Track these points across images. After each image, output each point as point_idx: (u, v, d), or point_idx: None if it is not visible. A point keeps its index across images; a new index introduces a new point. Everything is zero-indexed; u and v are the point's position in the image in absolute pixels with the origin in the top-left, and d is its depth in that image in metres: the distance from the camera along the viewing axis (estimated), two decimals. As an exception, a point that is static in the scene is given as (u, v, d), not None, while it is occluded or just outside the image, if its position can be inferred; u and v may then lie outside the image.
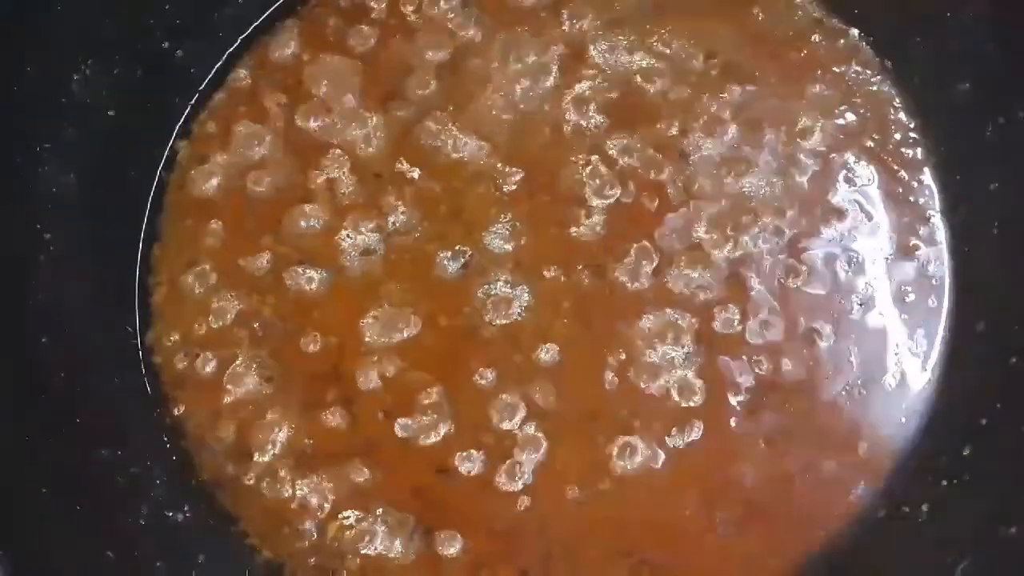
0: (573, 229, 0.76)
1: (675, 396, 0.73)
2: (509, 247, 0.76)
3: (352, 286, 0.77)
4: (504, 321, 0.75)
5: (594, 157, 0.78)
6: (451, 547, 0.72)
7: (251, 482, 0.74)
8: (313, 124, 0.80)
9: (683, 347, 0.74)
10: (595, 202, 0.77)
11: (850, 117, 0.79)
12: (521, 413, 0.73)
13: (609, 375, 0.74)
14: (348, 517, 0.73)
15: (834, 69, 0.81)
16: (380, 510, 0.73)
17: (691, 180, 0.77)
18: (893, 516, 0.72)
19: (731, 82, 0.79)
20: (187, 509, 0.74)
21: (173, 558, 0.71)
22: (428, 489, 0.73)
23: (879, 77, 0.81)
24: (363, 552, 0.73)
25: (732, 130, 0.78)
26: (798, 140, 0.78)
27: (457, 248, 0.76)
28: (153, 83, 0.80)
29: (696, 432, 0.73)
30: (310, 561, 0.73)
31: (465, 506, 0.73)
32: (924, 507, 0.71)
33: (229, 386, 0.76)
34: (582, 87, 0.80)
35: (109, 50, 0.76)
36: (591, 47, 0.81)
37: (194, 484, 0.75)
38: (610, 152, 0.78)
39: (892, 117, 0.80)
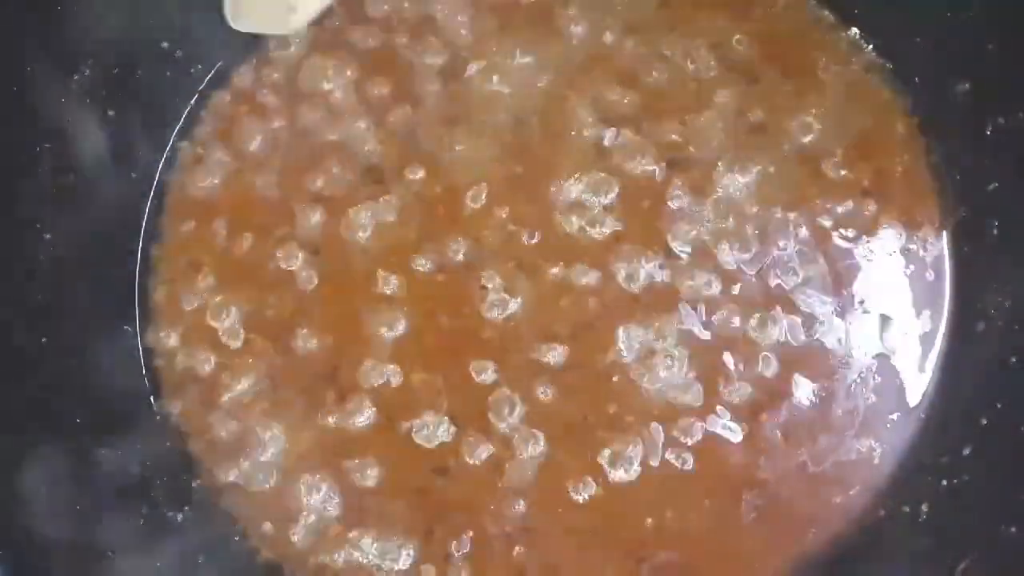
0: (574, 229, 0.76)
1: (677, 396, 0.73)
2: (510, 246, 0.76)
3: (353, 285, 0.77)
4: (504, 320, 0.75)
5: (595, 158, 0.78)
6: (451, 548, 0.72)
7: (251, 482, 0.74)
8: (314, 123, 0.80)
9: (686, 347, 0.74)
10: (596, 202, 0.77)
11: (850, 117, 0.79)
12: (520, 412, 0.73)
13: (611, 375, 0.74)
14: (349, 517, 0.73)
15: (834, 69, 0.80)
16: (380, 510, 0.73)
17: (693, 180, 0.77)
18: (893, 516, 0.72)
19: (731, 81, 0.79)
20: (187, 509, 0.74)
21: (173, 558, 0.71)
22: (428, 489, 0.73)
23: (879, 77, 0.81)
24: (363, 552, 0.73)
25: (733, 130, 0.78)
26: (798, 140, 0.78)
27: (457, 247, 0.76)
28: (153, 83, 0.80)
29: (697, 432, 0.73)
30: (310, 562, 0.73)
31: (465, 507, 0.73)
32: (924, 507, 0.71)
33: (229, 386, 0.76)
34: (583, 88, 0.79)
35: (109, 50, 0.76)
36: (593, 47, 0.81)
37: (194, 484, 0.75)
38: (611, 152, 0.78)
39: (892, 117, 0.80)
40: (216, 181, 0.80)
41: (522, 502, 0.72)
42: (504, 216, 0.77)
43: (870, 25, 0.81)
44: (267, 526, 0.74)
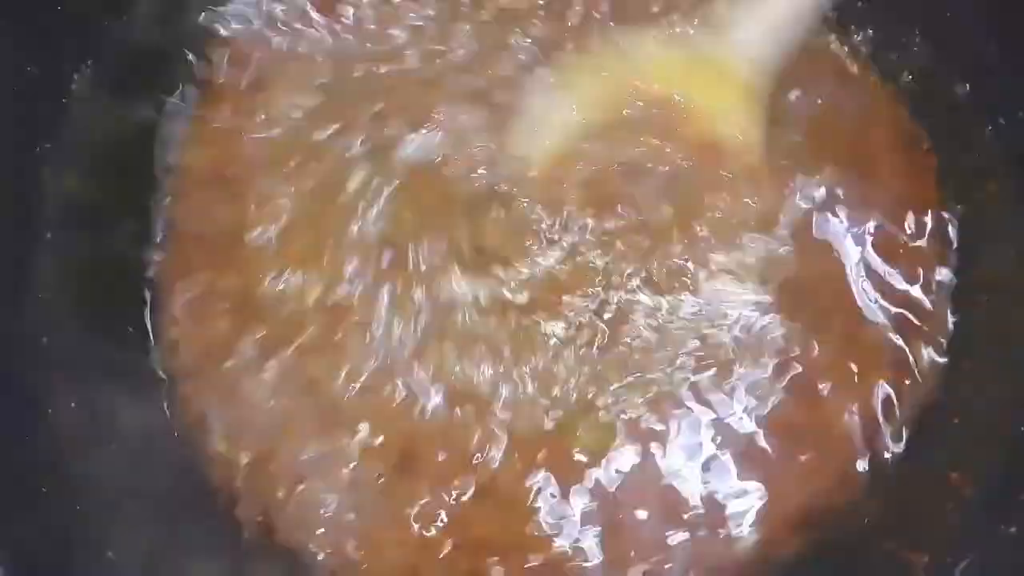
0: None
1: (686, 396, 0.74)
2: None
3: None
4: None
5: None
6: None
7: (251, 481, 0.74)
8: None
9: (689, 351, 0.74)
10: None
11: (849, 117, 0.79)
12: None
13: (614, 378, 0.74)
14: (349, 516, 0.73)
15: (833, 69, 0.80)
16: (382, 509, 0.73)
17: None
18: (892, 516, 0.72)
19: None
20: (187, 509, 0.74)
21: (173, 558, 0.71)
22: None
23: (878, 78, 0.81)
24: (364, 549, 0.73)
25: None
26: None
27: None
28: (153, 83, 0.80)
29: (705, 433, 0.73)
30: (311, 560, 0.73)
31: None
32: (924, 507, 0.71)
33: (230, 386, 0.76)
34: None
35: (109, 50, 0.76)
36: None
37: (194, 484, 0.75)
38: None
39: (891, 117, 0.80)
40: (216, 181, 0.80)
41: None
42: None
43: (870, 25, 0.81)
44: (267, 525, 0.74)
